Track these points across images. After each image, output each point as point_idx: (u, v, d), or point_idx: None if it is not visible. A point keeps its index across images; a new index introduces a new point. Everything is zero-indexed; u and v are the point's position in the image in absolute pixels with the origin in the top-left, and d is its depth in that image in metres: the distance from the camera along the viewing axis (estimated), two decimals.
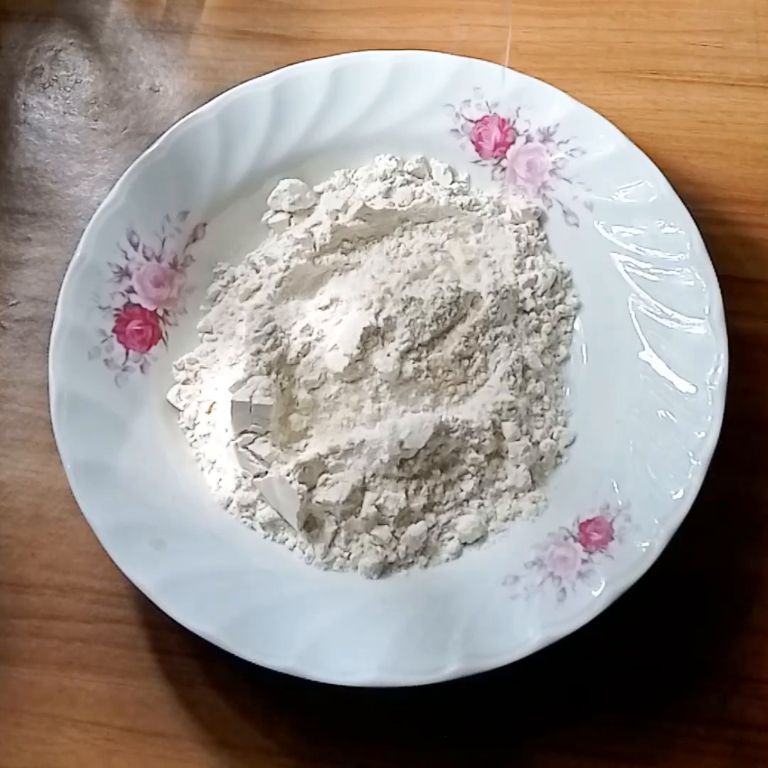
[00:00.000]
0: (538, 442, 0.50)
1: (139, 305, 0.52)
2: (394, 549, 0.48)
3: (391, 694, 0.44)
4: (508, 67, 0.54)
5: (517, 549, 0.48)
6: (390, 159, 0.55)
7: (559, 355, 0.52)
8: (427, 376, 0.50)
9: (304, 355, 0.50)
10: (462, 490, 0.49)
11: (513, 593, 0.46)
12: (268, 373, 0.50)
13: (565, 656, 0.45)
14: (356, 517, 0.48)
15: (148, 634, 0.49)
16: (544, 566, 0.47)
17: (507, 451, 0.49)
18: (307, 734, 0.48)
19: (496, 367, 0.50)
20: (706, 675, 0.48)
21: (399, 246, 0.53)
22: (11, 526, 0.52)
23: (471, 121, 0.54)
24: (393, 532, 0.48)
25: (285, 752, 0.47)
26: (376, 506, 0.48)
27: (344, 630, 0.46)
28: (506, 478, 0.49)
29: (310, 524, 0.49)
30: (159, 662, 0.49)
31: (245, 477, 0.49)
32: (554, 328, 0.52)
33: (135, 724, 0.48)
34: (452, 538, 0.49)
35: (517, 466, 0.49)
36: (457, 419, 0.49)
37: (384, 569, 0.48)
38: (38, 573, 0.51)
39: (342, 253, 0.53)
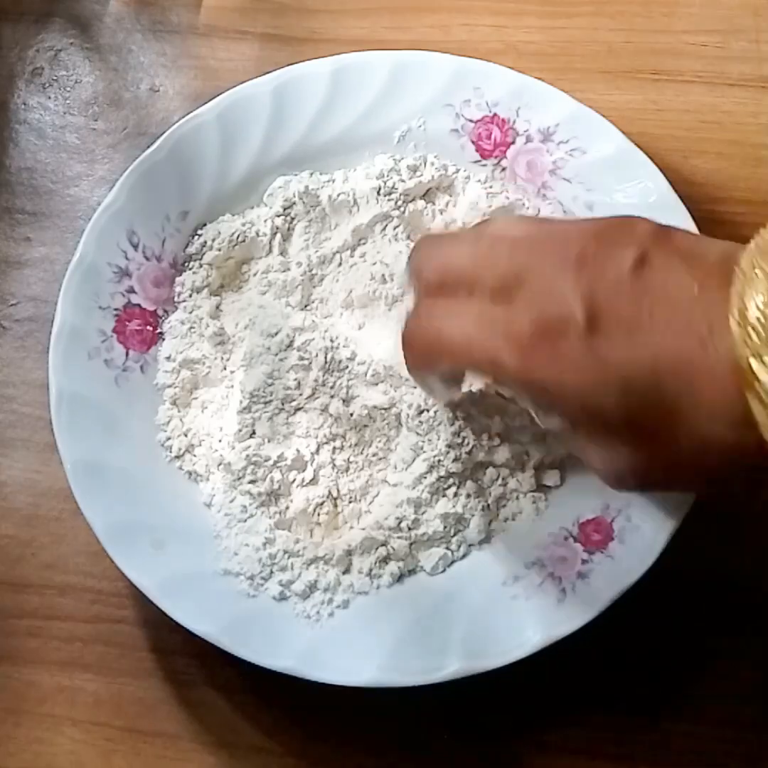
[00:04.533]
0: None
1: (139, 305, 0.52)
2: (403, 559, 0.48)
3: (391, 694, 0.44)
4: (508, 67, 0.54)
5: (518, 549, 0.47)
6: (389, 158, 0.55)
7: None
8: None
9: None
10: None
11: (513, 593, 0.46)
12: None
13: (565, 656, 0.45)
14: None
15: (148, 634, 0.49)
16: (545, 566, 0.47)
17: None
18: (307, 734, 0.48)
19: None
20: (705, 675, 0.48)
21: (377, 253, 0.53)
22: (11, 526, 0.52)
23: (471, 121, 0.54)
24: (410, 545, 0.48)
25: (285, 752, 0.47)
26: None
27: (344, 630, 0.46)
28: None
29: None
30: (159, 662, 0.49)
31: (243, 478, 0.49)
32: None
33: (135, 724, 0.48)
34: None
35: None
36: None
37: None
38: (38, 573, 0.51)
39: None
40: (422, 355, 0.42)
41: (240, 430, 0.49)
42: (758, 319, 0.34)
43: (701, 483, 0.40)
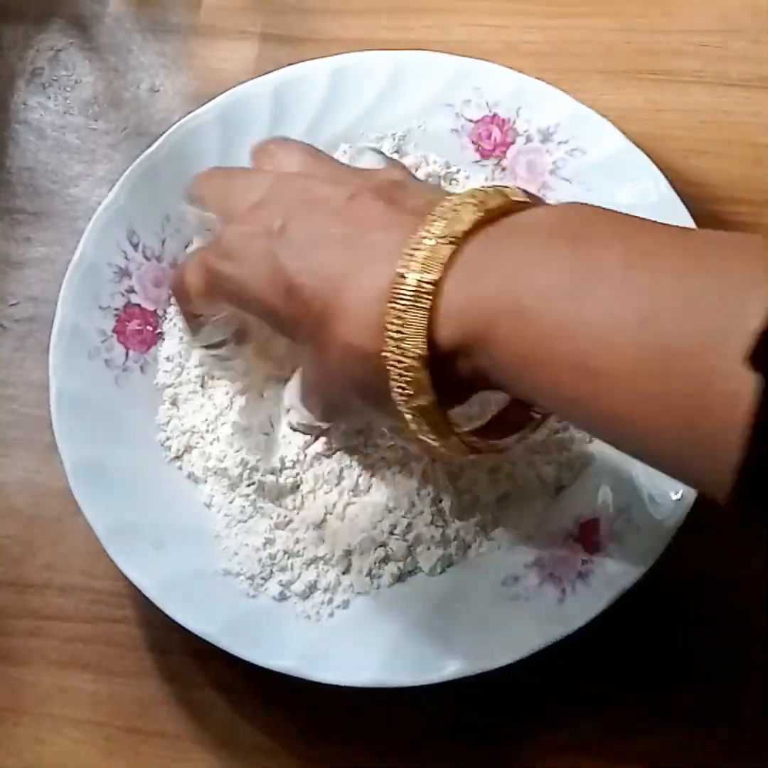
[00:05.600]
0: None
1: (139, 305, 0.52)
2: (402, 560, 0.48)
3: (391, 694, 0.44)
4: (508, 67, 0.54)
5: (518, 549, 0.47)
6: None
7: None
8: None
9: None
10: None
11: (513, 593, 0.46)
12: None
13: (565, 656, 0.45)
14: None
15: (148, 634, 0.49)
16: (545, 567, 0.47)
17: None
18: (307, 734, 0.48)
19: None
20: (705, 675, 0.48)
21: None
22: (11, 526, 0.52)
23: (471, 121, 0.54)
24: (409, 548, 0.48)
25: (285, 752, 0.47)
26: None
27: (344, 630, 0.46)
28: None
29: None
30: (159, 662, 0.49)
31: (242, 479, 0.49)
32: None
33: (135, 724, 0.48)
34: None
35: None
36: None
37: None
38: (38, 573, 0.51)
39: None
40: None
41: (234, 433, 0.49)
42: (427, 251, 0.36)
43: (353, 399, 0.41)
